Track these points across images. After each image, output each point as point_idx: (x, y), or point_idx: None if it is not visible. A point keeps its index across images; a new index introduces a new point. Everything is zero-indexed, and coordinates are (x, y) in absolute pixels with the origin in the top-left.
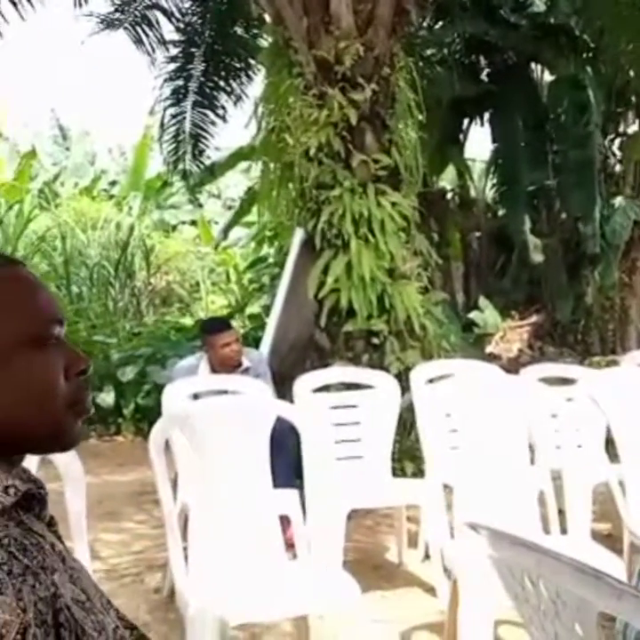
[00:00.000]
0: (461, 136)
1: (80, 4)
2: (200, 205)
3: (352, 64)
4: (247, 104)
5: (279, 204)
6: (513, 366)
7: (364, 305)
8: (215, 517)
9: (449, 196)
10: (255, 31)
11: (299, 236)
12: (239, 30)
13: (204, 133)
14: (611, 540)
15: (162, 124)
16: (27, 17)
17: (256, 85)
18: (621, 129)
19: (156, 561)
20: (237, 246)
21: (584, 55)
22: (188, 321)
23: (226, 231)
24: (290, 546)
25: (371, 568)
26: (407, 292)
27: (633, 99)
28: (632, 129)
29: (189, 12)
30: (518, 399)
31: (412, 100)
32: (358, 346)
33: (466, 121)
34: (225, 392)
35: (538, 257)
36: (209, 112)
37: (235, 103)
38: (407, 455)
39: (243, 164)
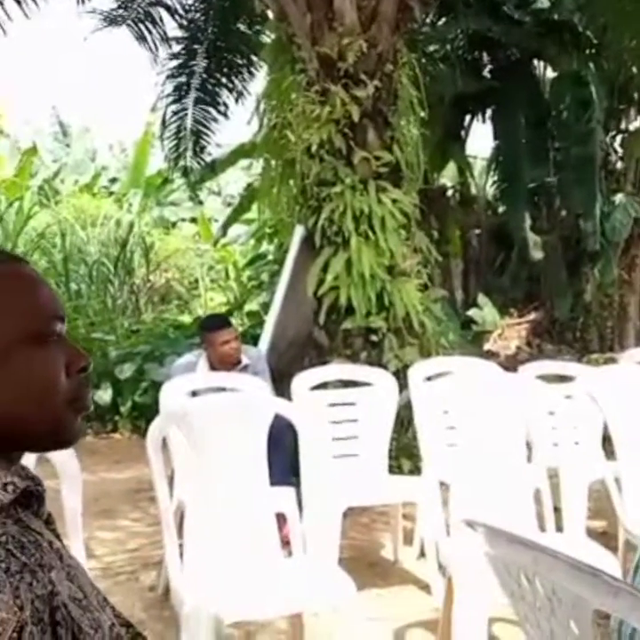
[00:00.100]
0: (463, 133)
1: (83, 1)
2: (200, 202)
3: (355, 60)
4: (249, 101)
5: (280, 201)
6: (511, 364)
7: (363, 302)
8: (211, 515)
9: (449, 193)
10: (258, 28)
11: (299, 233)
12: (242, 27)
13: (205, 130)
14: (606, 538)
15: (163, 121)
16: (31, 15)
17: (258, 82)
18: (623, 126)
19: (152, 559)
20: (237, 243)
21: (587, 52)
22: (186, 318)
23: (225, 228)
24: (286, 543)
25: (366, 565)
26: (406, 290)
27: (635, 95)
28: (634, 125)
29: (192, 8)
30: (516, 397)
31: (414, 96)
32: (357, 343)
33: (467, 118)
34: (223, 389)
35: (537, 254)
36: (211, 109)
37: (236, 100)
38: (404, 452)
39: (243, 161)
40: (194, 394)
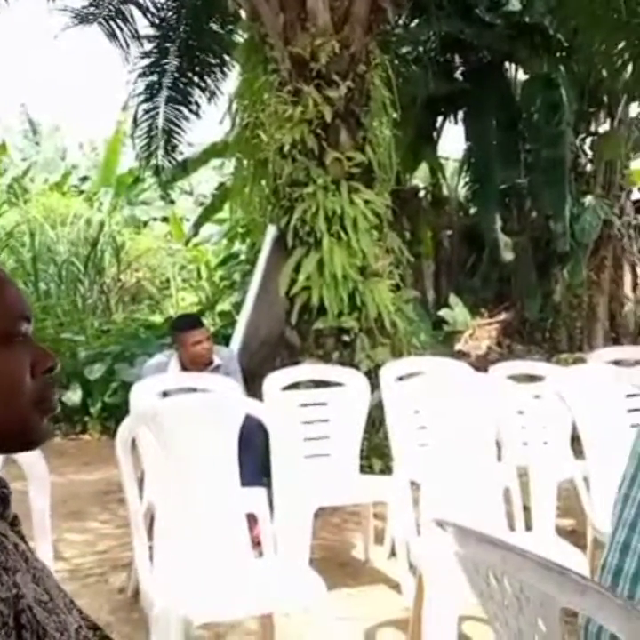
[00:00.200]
0: (435, 134)
1: None
2: (172, 202)
3: (328, 61)
4: (221, 100)
5: (252, 201)
6: (482, 364)
7: (335, 302)
8: (181, 516)
9: (422, 194)
10: (231, 27)
11: (271, 233)
12: (214, 26)
13: (177, 129)
14: (575, 536)
15: (134, 120)
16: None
17: (231, 81)
18: (593, 128)
19: (121, 561)
20: (209, 243)
21: (558, 55)
22: (157, 318)
23: (197, 227)
24: (257, 544)
25: (337, 565)
26: (378, 290)
27: (605, 98)
28: (603, 128)
29: (164, 7)
30: (486, 396)
31: (386, 97)
32: (329, 343)
33: (440, 119)
34: (194, 390)
35: (508, 255)
36: (182, 108)
37: (209, 99)
38: (375, 452)
39: (216, 161)
40: (165, 394)
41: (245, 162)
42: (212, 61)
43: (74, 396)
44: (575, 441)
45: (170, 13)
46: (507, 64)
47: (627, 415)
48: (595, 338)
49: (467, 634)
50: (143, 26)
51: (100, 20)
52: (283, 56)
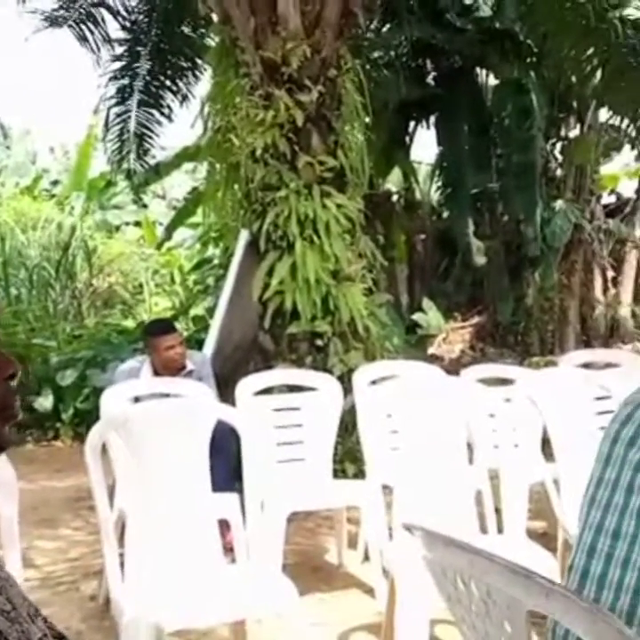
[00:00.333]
0: (407, 139)
1: (23, 1)
2: (144, 206)
3: (299, 65)
4: (193, 104)
5: (224, 205)
6: (455, 367)
7: (308, 307)
8: (152, 523)
9: (394, 198)
10: (202, 30)
11: (243, 237)
12: (186, 29)
13: (149, 133)
14: (546, 539)
15: (106, 123)
16: None
17: (203, 85)
18: (563, 133)
19: (93, 568)
20: (182, 247)
21: (528, 60)
22: (130, 323)
23: (170, 232)
24: (229, 550)
25: (310, 570)
26: (351, 294)
27: (575, 104)
28: (573, 133)
29: (135, 10)
30: (457, 400)
31: (358, 102)
32: (302, 348)
33: (412, 124)
34: (167, 395)
35: (480, 259)
36: (154, 111)
37: (181, 103)
38: (349, 456)
39: (188, 165)
40: (136, 400)
41: (218, 166)
42: (184, 65)
43: (45, 402)
44: (546, 444)
45: (141, 17)
46: (478, 69)
47: (596, 418)
48: (566, 341)
49: (439, 637)
50: (114, 29)
51: (71, 23)
52: (254, 60)
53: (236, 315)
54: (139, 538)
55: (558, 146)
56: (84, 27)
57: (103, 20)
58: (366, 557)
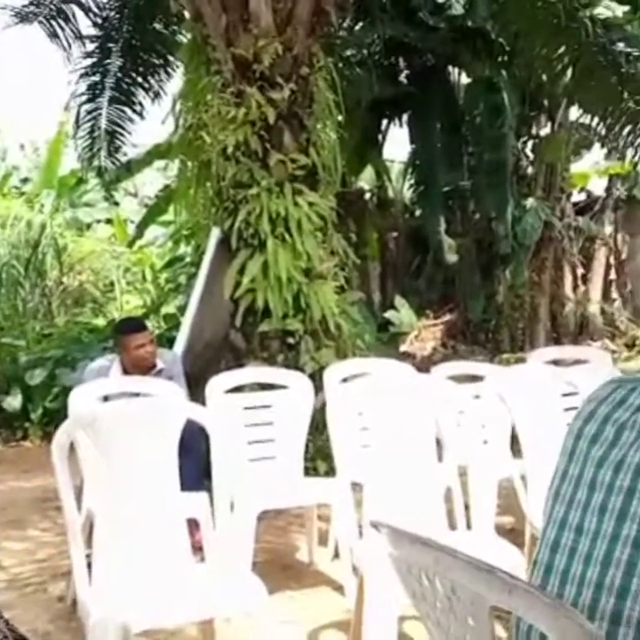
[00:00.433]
0: (380, 137)
1: None
2: (116, 203)
3: (271, 63)
4: (165, 101)
5: (196, 203)
6: (426, 364)
7: (279, 305)
8: (120, 523)
9: (367, 196)
10: (174, 27)
11: (215, 235)
12: (158, 26)
13: (120, 130)
14: (514, 534)
15: (77, 120)
16: None
17: (175, 82)
18: (534, 132)
19: (60, 569)
20: (154, 245)
21: (499, 58)
22: (100, 322)
23: (141, 229)
24: (198, 549)
25: (280, 568)
26: (323, 292)
27: (545, 102)
28: (544, 131)
29: (107, 6)
30: (427, 397)
31: (330, 100)
32: (274, 346)
33: (385, 122)
34: (137, 394)
35: (452, 257)
36: (126, 108)
37: (153, 100)
38: (320, 454)
39: (160, 162)
40: (106, 399)
41: (189, 163)
42: (156, 62)
43: (14, 401)
44: (515, 440)
45: (112, 13)
46: (450, 67)
47: (563, 414)
48: (536, 338)
49: (407, 633)
50: (85, 26)
51: (42, 19)
52: (225, 57)
53: (208, 313)
54: (107, 538)
55: (529, 144)
56: (54, 23)
57: (74, 16)
58: (337, 555)
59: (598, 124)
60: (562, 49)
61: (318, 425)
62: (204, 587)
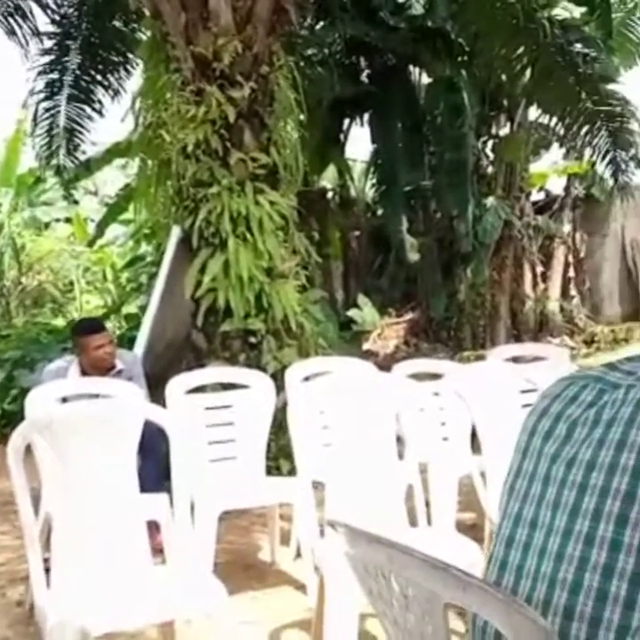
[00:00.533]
0: (342, 136)
1: None
2: (75, 202)
3: (230, 61)
4: (125, 98)
5: (156, 202)
6: (389, 362)
7: (241, 304)
8: (79, 526)
9: (329, 195)
10: (134, 25)
11: (175, 234)
12: (117, 23)
13: (79, 128)
14: (475, 530)
15: (34, 118)
16: None
17: (135, 80)
18: (494, 131)
19: (19, 573)
20: (115, 245)
21: (459, 58)
22: (60, 322)
23: (102, 229)
24: (159, 551)
25: (242, 568)
26: (285, 291)
27: (505, 102)
28: (504, 131)
29: (65, 3)
30: (388, 395)
31: (291, 99)
32: (235, 345)
33: (346, 121)
34: (96, 396)
35: (414, 256)
36: (85, 106)
37: (112, 97)
38: (283, 453)
39: (120, 160)
40: (65, 400)
41: (149, 162)
42: (115, 59)
43: None
44: (476, 436)
45: (71, 10)
46: (411, 67)
47: (521, 410)
48: (497, 335)
49: (369, 631)
50: (43, 23)
51: None
52: (185, 55)
53: (169, 312)
54: (65, 541)
55: (489, 144)
56: (11, 20)
57: (32, 13)
58: (299, 554)
59: (556, 124)
60: (520, 49)
61: (281, 424)
62: (163, 589)
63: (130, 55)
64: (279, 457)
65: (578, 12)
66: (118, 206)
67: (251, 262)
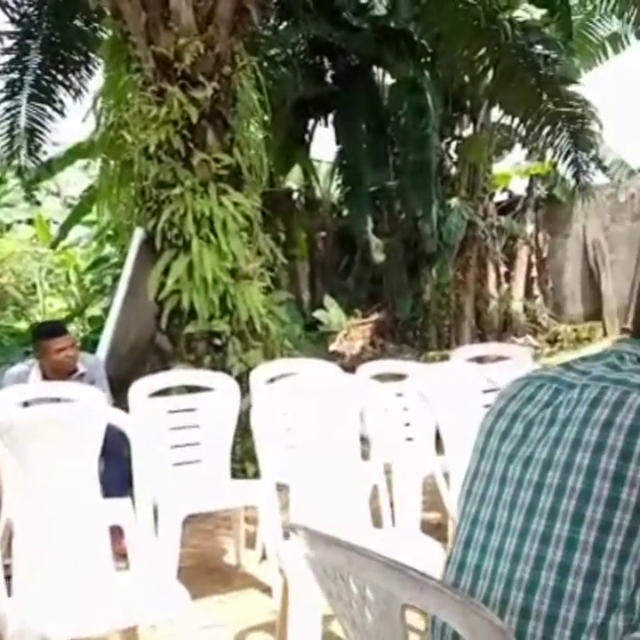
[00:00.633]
0: (307, 136)
1: None
2: (37, 203)
3: (192, 61)
4: (87, 98)
5: (119, 203)
6: (355, 363)
7: (205, 306)
8: (40, 532)
9: (295, 196)
10: (95, 24)
11: (138, 235)
12: (78, 23)
13: (40, 128)
14: (440, 530)
15: None
16: None
17: (97, 79)
18: (457, 132)
19: None
20: (78, 246)
21: (422, 60)
22: (23, 325)
23: (65, 230)
24: (122, 556)
25: (208, 572)
26: (250, 292)
27: (468, 103)
28: (467, 132)
29: (25, 2)
30: (352, 397)
31: (255, 99)
32: (200, 347)
33: (311, 122)
34: (58, 400)
35: (379, 256)
36: (46, 106)
37: (74, 97)
38: (248, 456)
39: (82, 161)
40: (26, 405)
41: (111, 162)
42: (77, 59)
43: None
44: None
45: (31, 9)
46: (375, 68)
47: (483, 411)
48: (462, 335)
49: (334, 632)
50: (3, 22)
51: None
52: (146, 55)
53: (132, 315)
54: (26, 547)
55: (453, 145)
56: None
57: None
58: (264, 557)
59: (519, 125)
60: (482, 51)
61: (246, 427)
62: (125, 594)
63: (91, 54)
64: (245, 460)
65: (538, 14)
66: (82, 207)
67: (215, 264)
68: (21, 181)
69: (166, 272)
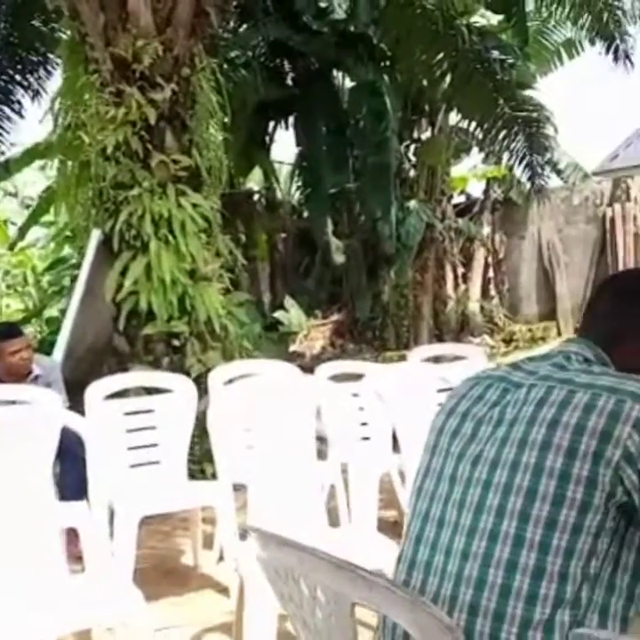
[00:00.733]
0: (267, 138)
1: None
2: None
3: (151, 63)
4: (45, 99)
5: (76, 204)
6: (315, 364)
7: (164, 307)
8: None
9: (256, 197)
10: (54, 24)
11: (95, 236)
12: (37, 23)
13: None
14: (397, 528)
15: None
16: None
17: (56, 80)
18: (416, 135)
19: None
20: (36, 247)
21: (381, 63)
22: None
23: (23, 231)
24: (78, 559)
25: (165, 573)
26: (208, 294)
27: (426, 107)
28: (425, 135)
29: None
30: (309, 397)
31: (214, 101)
32: (158, 349)
33: (272, 124)
34: (13, 402)
35: (339, 258)
36: (4, 107)
37: (32, 98)
38: (207, 457)
39: (40, 161)
40: None
41: (69, 163)
42: (35, 59)
43: None
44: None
45: None
46: (334, 71)
47: (438, 409)
48: (420, 335)
49: (290, 631)
50: None
51: None
52: (104, 56)
53: (89, 316)
54: None
55: (411, 148)
56: None
57: None
58: (222, 557)
59: (476, 129)
60: (440, 55)
61: (205, 427)
62: (79, 597)
63: (50, 55)
64: (203, 460)
65: (495, 19)
66: (40, 208)
67: (173, 265)
68: None
69: (124, 273)
